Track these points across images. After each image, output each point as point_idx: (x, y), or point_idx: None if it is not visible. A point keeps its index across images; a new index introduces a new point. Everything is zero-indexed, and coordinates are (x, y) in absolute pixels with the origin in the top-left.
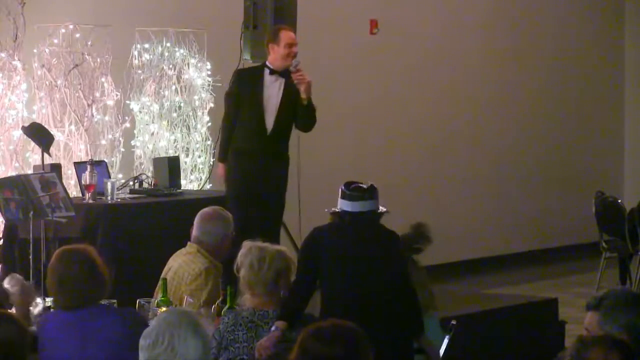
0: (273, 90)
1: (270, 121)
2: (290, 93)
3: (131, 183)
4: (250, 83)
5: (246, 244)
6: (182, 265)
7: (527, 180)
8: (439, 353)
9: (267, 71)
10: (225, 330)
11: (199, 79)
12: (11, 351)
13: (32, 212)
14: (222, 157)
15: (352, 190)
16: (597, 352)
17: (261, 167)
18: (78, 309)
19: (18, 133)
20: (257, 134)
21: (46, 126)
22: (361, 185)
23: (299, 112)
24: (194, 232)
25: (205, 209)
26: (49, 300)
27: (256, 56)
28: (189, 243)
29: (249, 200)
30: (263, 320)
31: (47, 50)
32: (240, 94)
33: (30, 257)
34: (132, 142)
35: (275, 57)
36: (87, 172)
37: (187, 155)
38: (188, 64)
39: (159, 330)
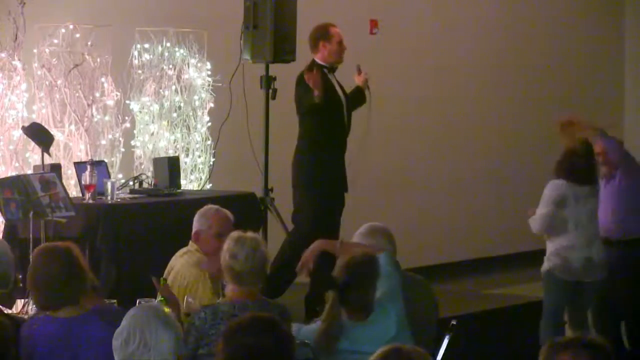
0: (338, 88)
1: (347, 118)
2: (343, 87)
3: (131, 183)
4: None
5: (234, 234)
6: (184, 265)
7: (527, 180)
8: None
9: (324, 70)
10: (203, 325)
11: (199, 79)
12: None
13: (32, 212)
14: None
15: None
16: (565, 355)
17: (343, 167)
18: (59, 310)
19: (18, 133)
20: (339, 134)
21: (46, 126)
22: None
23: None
24: (194, 227)
25: (206, 206)
26: None
27: (256, 56)
28: (190, 242)
29: (330, 207)
30: (242, 313)
31: (47, 50)
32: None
33: (30, 257)
34: (132, 142)
35: (327, 54)
36: (87, 172)
37: (187, 155)
38: (188, 64)
39: (129, 328)
